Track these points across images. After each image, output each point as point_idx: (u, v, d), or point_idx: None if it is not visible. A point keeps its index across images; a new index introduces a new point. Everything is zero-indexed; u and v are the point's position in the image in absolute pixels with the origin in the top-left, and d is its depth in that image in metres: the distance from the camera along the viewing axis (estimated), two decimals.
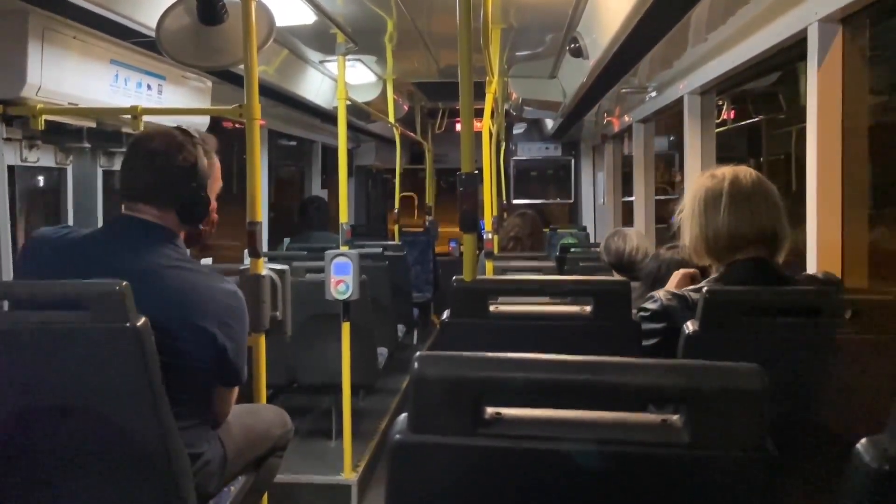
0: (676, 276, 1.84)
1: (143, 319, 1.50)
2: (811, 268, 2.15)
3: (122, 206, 1.78)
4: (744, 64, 2.80)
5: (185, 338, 1.65)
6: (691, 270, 1.83)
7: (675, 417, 0.91)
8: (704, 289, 1.46)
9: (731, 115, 5.50)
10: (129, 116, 2.39)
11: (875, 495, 0.80)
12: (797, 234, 2.27)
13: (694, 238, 1.69)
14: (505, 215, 4.94)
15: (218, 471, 1.81)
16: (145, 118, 2.41)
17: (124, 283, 1.48)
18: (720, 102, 4.85)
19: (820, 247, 2.11)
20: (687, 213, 1.72)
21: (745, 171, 1.67)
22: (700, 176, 1.73)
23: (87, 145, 2.89)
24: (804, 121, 2.24)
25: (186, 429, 1.69)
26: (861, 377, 1.43)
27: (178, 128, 1.84)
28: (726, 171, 1.68)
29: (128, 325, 1.47)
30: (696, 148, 3.55)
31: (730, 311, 1.44)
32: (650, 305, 1.67)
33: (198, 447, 1.73)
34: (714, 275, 1.69)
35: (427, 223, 7.30)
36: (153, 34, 2.38)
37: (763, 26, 2.50)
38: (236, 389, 1.87)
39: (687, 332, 1.44)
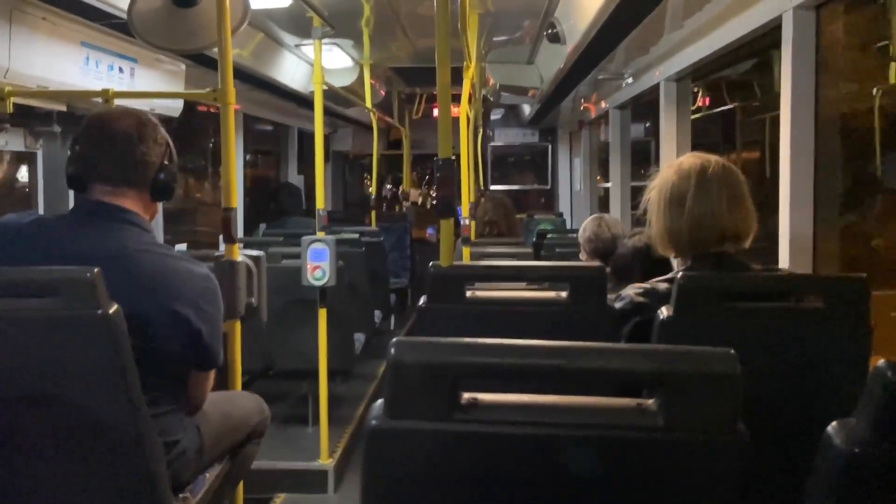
0: None
1: (115, 306, 1.47)
2: (783, 260, 2.18)
3: (88, 190, 1.72)
4: (719, 51, 2.82)
5: (159, 322, 1.63)
6: None
7: (651, 402, 0.92)
8: (679, 275, 1.47)
9: (706, 102, 5.53)
10: (100, 100, 2.34)
11: (845, 477, 0.82)
12: (772, 222, 2.30)
13: (659, 232, 1.70)
14: (482, 201, 4.94)
15: (194, 459, 1.79)
16: (117, 101, 2.37)
17: (95, 270, 1.46)
18: (695, 89, 4.88)
19: (792, 239, 2.14)
20: (653, 205, 1.71)
21: (713, 166, 1.65)
22: (668, 167, 1.72)
23: (58, 129, 2.84)
24: (778, 108, 2.26)
25: (161, 415, 1.67)
26: (832, 361, 1.46)
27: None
28: (693, 165, 1.66)
29: (99, 312, 1.45)
30: (671, 134, 3.57)
31: (703, 296, 1.46)
32: (620, 305, 1.67)
33: (173, 434, 1.71)
34: (680, 268, 1.70)
35: (404, 209, 7.28)
36: (125, 16, 2.33)
37: (739, 13, 2.52)
38: (212, 374, 1.85)
39: (661, 317, 1.46)
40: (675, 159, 1.75)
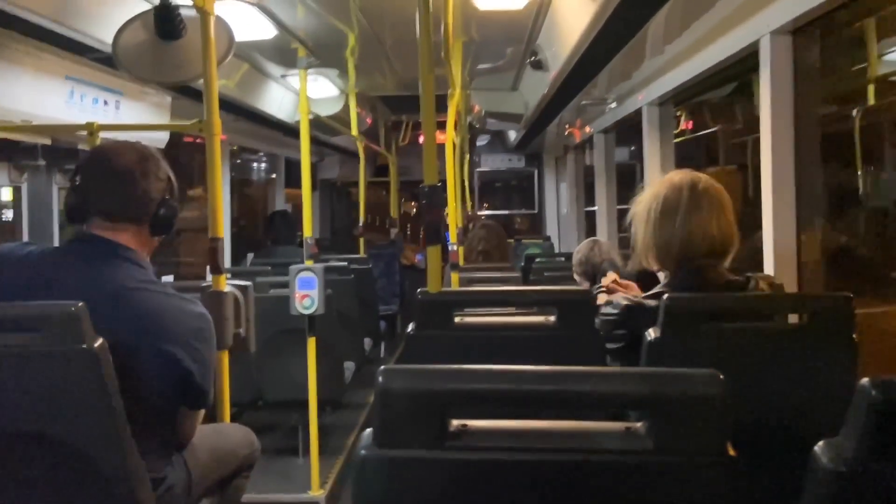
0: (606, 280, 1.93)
1: (100, 341, 1.46)
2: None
3: (85, 225, 1.71)
4: (700, 75, 2.87)
5: (150, 360, 1.61)
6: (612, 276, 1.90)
7: (639, 424, 0.92)
8: (665, 296, 1.48)
9: (690, 126, 5.60)
10: (85, 133, 2.34)
11: (834, 497, 0.82)
12: (754, 239, 2.32)
13: (646, 244, 1.71)
14: (471, 226, 4.95)
15: (182, 494, 1.77)
16: (102, 135, 2.37)
17: (80, 304, 1.45)
18: (678, 113, 4.94)
19: (777, 254, 2.16)
20: (641, 216, 1.73)
21: (703, 181, 1.69)
22: (660, 181, 1.75)
23: (42, 163, 2.83)
24: (759, 131, 2.29)
25: (148, 452, 1.65)
26: (818, 380, 1.46)
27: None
28: (684, 180, 1.69)
29: (84, 346, 1.43)
30: (655, 157, 3.61)
31: (690, 317, 1.46)
32: (610, 310, 1.69)
33: (160, 471, 1.69)
34: (663, 281, 1.72)
35: (392, 236, 7.28)
36: (110, 49, 2.34)
37: (718, 38, 2.57)
38: (202, 413, 1.83)
39: (649, 338, 1.46)
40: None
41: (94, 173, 1.72)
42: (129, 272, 1.67)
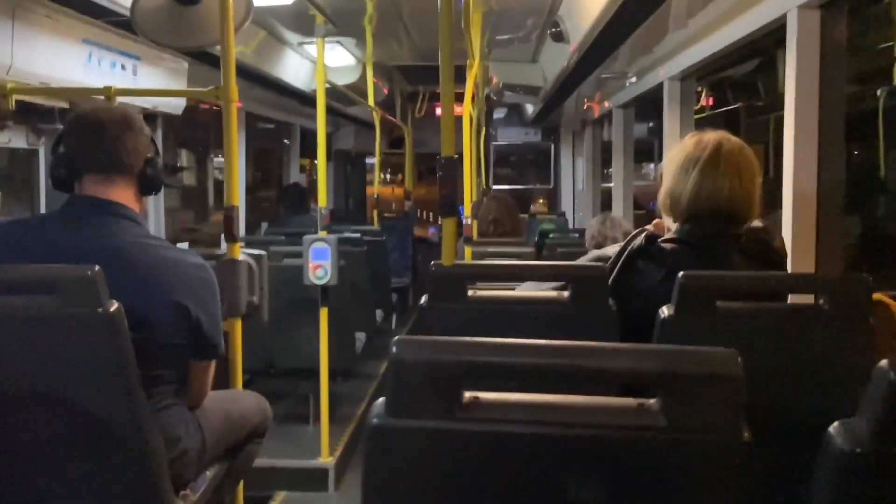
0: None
1: (115, 305, 1.47)
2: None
3: (77, 187, 1.72)
4: (723, 50, 2.81)
5: (159, 314, 1.63)
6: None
7: (652, 401, 0.91)
8: (680, 274, 1.47)
9: (710, 102, 5.53)
10: (102, 97, 2.34)
11: (847, 477, 0.82)
12: (774, 218, 2.29)
13: (664, 194, 1.73)
14: (486, 200, 4.94)
15: (196, 459, 1.79)
16: (119, 99, 2.36)
17: (96, 268, 1.45)
18: (699, 89, 4.87)
19: (795, 238, 2.14)
20: (668, 167, 1.74)
21: (731, 144, 1.68)
22: (690, 136, 1.76)
23: (60, 126, 2.83)
24: (782, 108, 2.25)
25: (163, 409, 1.67)
26: (833, 361, 1.45)
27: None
28: (711, 140, 1.68)
29: (100, 310, 1.44)
30: (675, 134, 3.57)
31: (704, 295, 1.45)
32: (632, 243, 1.67)
33: (175, 430, 1.71)
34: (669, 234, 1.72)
35: (407, 208, 7.28)
36: (128, 13, 2.33)
37: (743, 12, 2.51)
38: (213, 366, 1.85)
39: (662, 316, 1.45)
40: None
41: (80, 133, 1.72)
42: (126, 228, 1.69)
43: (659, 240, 1.68)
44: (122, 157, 1.71)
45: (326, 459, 3.26)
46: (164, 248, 1.72)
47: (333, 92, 4.58)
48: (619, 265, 1.68)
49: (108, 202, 1.70)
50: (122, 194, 1.72)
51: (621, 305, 1.63)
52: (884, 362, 0.81)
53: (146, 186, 1.77)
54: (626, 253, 1.67)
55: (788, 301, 1.70)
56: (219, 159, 6.33)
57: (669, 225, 1.74)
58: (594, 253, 1.85)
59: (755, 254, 1.66)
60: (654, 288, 1.59)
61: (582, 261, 1.85)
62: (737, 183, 1.64)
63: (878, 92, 4.02)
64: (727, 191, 1.63)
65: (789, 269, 2.15)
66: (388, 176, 10.10)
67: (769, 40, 2.52)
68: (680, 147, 1.74)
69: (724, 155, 1.65)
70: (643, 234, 1.69)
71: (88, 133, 1.71)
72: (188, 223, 5.85)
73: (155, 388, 1.64)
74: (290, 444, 3.43)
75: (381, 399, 0.94)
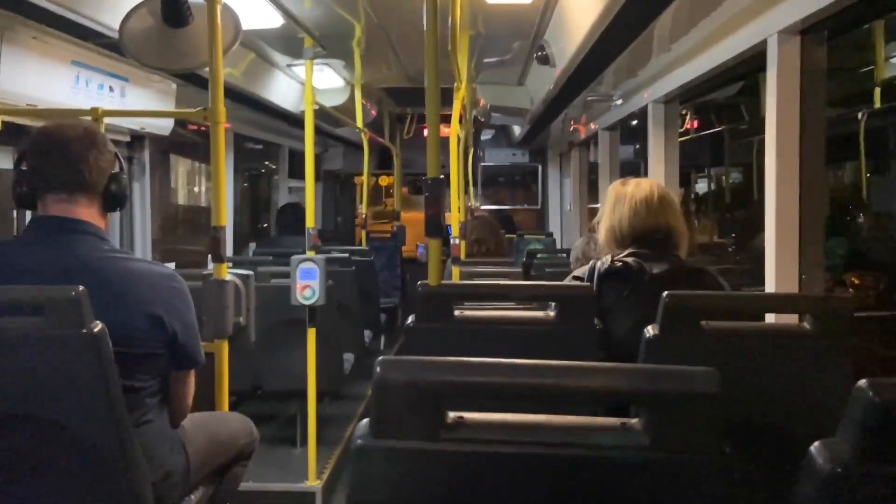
0: None
1: (99, 325, 1.47)
2: (769, 280, 2.19)
3: (40, 205, 1.70)
4: (706, 73, 2.85)
5: (133, 326, 1.62)
6: None
7: (635, 420, 0.92)
8: (664, 294, 1.48)
9: (695, 125, 5.59)
10: (89, 119, 2.34)
11: (828, 496, 0.82)
12: (759, 240, 2.31)
13: (605, 230, 2.02)
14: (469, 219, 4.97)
15: (181, 481, 1.77)
16: (107, 120, 2.37)
17: (80, 288, 1.45)
18: (684, 112, 4.93)
19: (778, 260, 2.16)
20: (602, 213, 2.07)
21: (648, 181, 2.06)
22: (616, 183, 2.09)
23: None
24: (764, 131, 2.28)
25: (144, 424, 1.66)
26: (816, 380, 1.46)
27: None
28: (632, 180, 2.05)
29: (84, 331, 1.44)
30: (659, 156, 3.60)
31: (689, 315, 1.46)
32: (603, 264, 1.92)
33: (158, 449, 1.69)
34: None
35: (395, 228, 7.28)
36: (116, 35, 2.34)
37: (725, 37, 2.55)
38: (192, 378, 1.83)
39: (648, 336, 1.46)
40: (663, 179, 1.88)
41: (43, 150, 1.70)
42: (93, 244, 1.68)
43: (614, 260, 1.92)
44: (85, 175, 1.69)
45: (314, 483, 3.23)
46: (132, 260, 1.73)
47: (322, 113, 4.60)
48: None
49: (73, 220, 1.68)
50: (86, 212, 1.70)
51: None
52: (863, 382, 0.82)
53: (110, 203, 1.75)
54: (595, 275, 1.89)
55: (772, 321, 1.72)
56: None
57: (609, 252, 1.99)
58: (578, 271, 2.00)
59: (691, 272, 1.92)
60: (620, 303, 1.82)
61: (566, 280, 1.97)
62: (667, 208, 1.97)
63: (860, 115, 4.08)
64: (658, 214, 1.96)
65: (774, 290, 2.17)
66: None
67: (752, 64, 2.56)
68: (609, 191, 2.07)
69: (645, 189, 1.99)
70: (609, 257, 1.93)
71: (51, 151, 1.70)
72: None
73: (135, 401, 1.63)
74: (277, 467, 3.40)
75: (366, 420, 0.94)
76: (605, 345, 1.74)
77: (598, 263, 1.90)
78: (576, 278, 1.95)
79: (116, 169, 1.76)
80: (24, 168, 1.72)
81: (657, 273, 1.84)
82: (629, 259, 1.88)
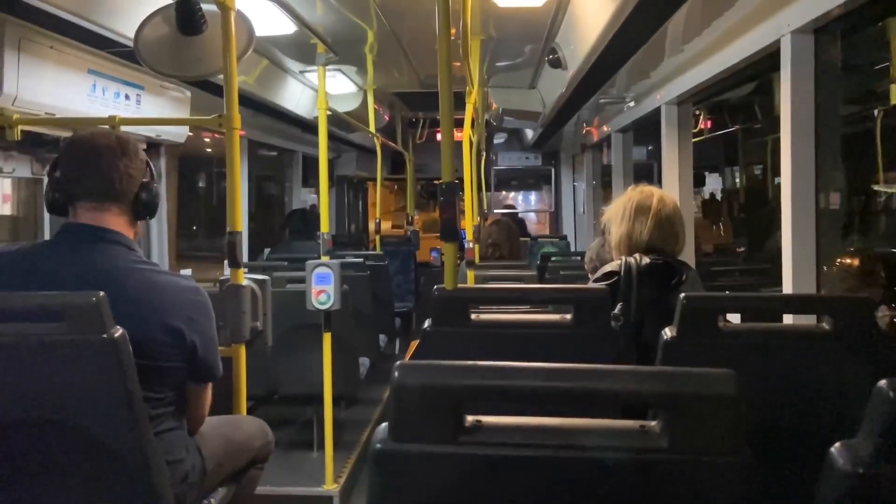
0: None
1: (120, 331, 1.48)
2: (787, 281, 2.17)
3: (71, 213, 1.73)
4: (720, 74, 2.84)
5: (154, 339, 1.63)
6: None
7: (654, 423, 0.91)
8: (682, 295, 1.48)
9: (708, 125, 5.56)
10: (106, 127, 2.37)
11: (850, 498, 0.81)
12: (774, 241, 2.30)
13: (619, 236, 2.10)
14: (485, 223, 4.96)
15: (197, 482, 1.79)
16: (123, 128, 2.39)
17: (101, 294, 1.46)
18: (697, 112, 4.91)
19: (795, 260, 2.14)
20: (616, 215, 2.13)
21: (669, 197, 2.13)
22: (632, 188, 2.17)
23: None
24: (780, 130, 2.27)
25: (163, 433, 1.68)
26: (836, 380, 1.45)
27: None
28: (654, 192, 2.12)
29: (105, 336, 1.45)
30: (673, 157, 3.59)
31: (706, 317, 1.46)
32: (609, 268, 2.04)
33: (175, 454, 1.71)
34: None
35: (408, 233, 7.29)
36: (131, 44, 2.37)
37: (738, 37, 2.55)
38: (209, 390, 1.85)
39: (665, 338, 1.46)
40: (677, 181, 1.91)
41: (75, 158, 1.73)
42: (119, 254, 1.69)
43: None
44: (116, 184, 1.71)
45: (331, 487, 3.24)
46: (156, 272, 1.73)
47: (335, 119, 4.62)
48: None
49: (101, 229, 1.70)
50: (115, 220, 1.73)
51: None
52: (883, 382, 0.82)
53: (140, 211, 1.78)
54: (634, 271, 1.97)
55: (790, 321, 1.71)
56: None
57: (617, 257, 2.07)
58: (607, 267, 2.09)
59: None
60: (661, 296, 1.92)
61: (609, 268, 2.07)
62: (679, 225, 2.09)
63: (876, 112, 4.04)
64: (672, 230, 2.08)
65: (791, 290, 2.16)
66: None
67: (765, 64, 2.55)
68: (627, 196, 2.14)
69: (668, 205, 2.10)
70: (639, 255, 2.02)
71: (83, 159, 1.72)
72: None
73: (154, 411, 1.64)
74: (294, 471, 3.41)
75: (384, 424, 0.94)
76: (639, 342, 1.85)
77: (632, 259, 2.00)
78: (606, 274, 2.03)
79: (147, 178, 1.78)
80: (58, 175, 1.74)
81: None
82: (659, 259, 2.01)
